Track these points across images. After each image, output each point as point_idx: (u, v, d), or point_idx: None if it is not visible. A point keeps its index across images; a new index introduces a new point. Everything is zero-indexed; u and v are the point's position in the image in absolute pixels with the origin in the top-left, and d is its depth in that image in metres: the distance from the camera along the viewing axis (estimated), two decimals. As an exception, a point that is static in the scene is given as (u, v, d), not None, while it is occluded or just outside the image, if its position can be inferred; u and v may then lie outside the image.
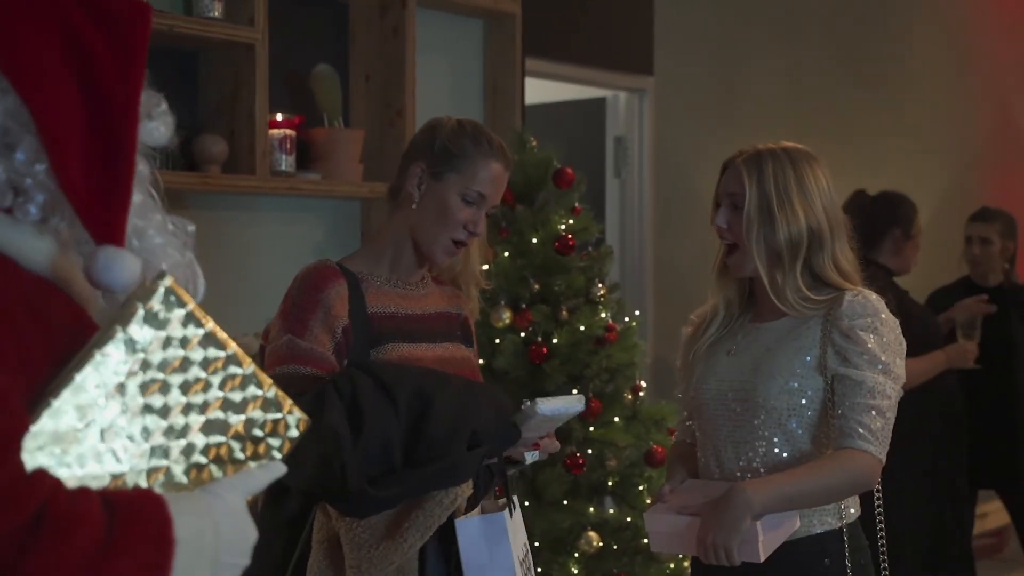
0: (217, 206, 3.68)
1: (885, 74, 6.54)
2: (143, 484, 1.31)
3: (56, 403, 1.26)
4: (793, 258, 2.35)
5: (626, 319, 3.84)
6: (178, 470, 1.34)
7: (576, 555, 3.64)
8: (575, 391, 3.68)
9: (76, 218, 1.35)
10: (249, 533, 1.35)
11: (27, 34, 1.32)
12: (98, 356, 1.29)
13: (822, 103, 6.09)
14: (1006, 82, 7.46)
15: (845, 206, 4.63)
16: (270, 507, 2.35)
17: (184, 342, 1.34)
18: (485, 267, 2.64)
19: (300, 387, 2.23)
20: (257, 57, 3.52)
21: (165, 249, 1.40)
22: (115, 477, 1.30)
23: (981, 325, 4.53)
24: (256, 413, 1.38)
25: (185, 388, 1.34)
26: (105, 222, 1.33)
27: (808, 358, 2.33)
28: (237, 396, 1.37)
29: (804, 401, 2.32)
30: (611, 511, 3.77)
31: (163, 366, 1.32)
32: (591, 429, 3.67)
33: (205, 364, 1.35)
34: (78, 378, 1.27)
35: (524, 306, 3.70)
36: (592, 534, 3.63)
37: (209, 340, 1.35)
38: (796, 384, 2.32)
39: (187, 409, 1.34)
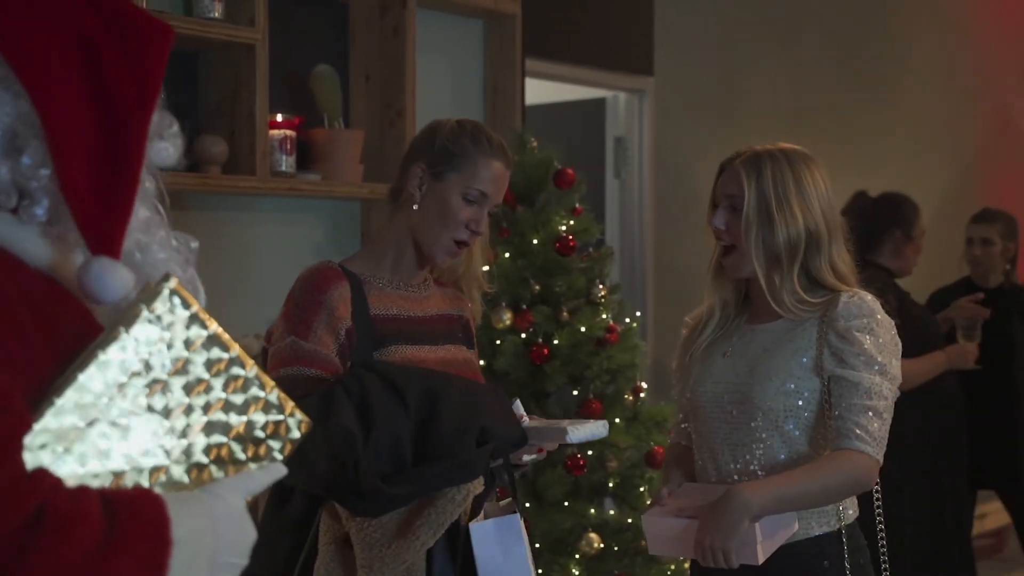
0: (217, 206, 3.67)
1: (885, 75, 6.53)
2: (144, 483, 1.32)
3: (59, 402, 1.27)
4: (791, 260, 2.35)
5: (627, 320, 3.83)
6: (179, 470, 1.35)
7: (577, 556, 3.64)
8: (575, 392, 3.68)
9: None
10: (248, 534, 1.36)
11: (45, 43, 1.34)
12: (101, 356, 1.30)
13: (822, 103, 6.09)
14: (1006, 82, 7.47)
15: (847, 207, 4.67)
16: (275, 509, 2.35)
17: (187, 343, 1.35)
18: (486, 268, 2.63)
19: (305, 389, 2.23)
20: (257, 57, 3.52)
21: (168, 264, 1.42)
22: (116, 476, 1.31)
23: (982, 326, 4.53)
24: (258, 415, 1.40)
25: (187, 389, 1.35)
26: (103, 233, 1.35)
27: (804, 359, 2.33)
28: (239, 398, 1.38)
29: (801, 403, 2.32)
30: (611, 512, 3.76)
31: (166, 367, 1.34)
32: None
33: (208, 366, 1.36)
34: (81, 378, 1.29)
35: (525, 307, 3.70)
36: (593, 535, 3.62)
37: (212, 342, 1.37)
38: (793, 386, 2.32)
39: (189, 410, 1.36)
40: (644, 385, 3.85)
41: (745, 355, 2.39)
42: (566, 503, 3.65)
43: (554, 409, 3.68)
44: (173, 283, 1.35)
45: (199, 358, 1.36)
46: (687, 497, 2.37)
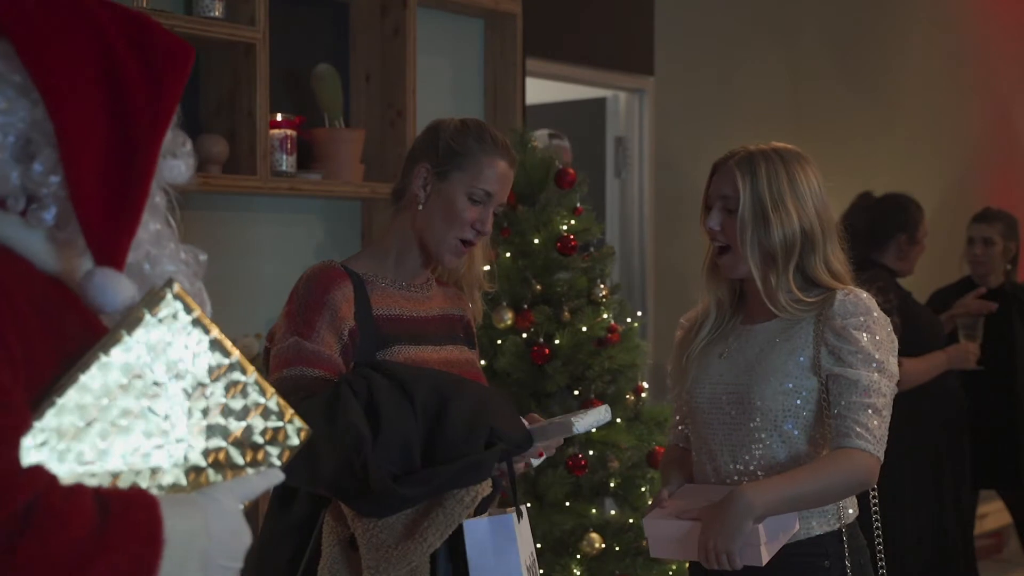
0: (217, 206, 3.66)
1: (884, 74, 6.53)
2: (142, 485, 1.34)
3: (60, 401, 1.29)
4: (786, 259, 2.35)
5: (628, 320, 3.83)
6: (177, 473, 1.37)
7: (578, 557, 3.63)
8: (576, 392, 3.67)
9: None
10: (243, 537, 1.38)
11: (66, 54, 1.37)
12: (103, 358, 1.32)
13: (822, 103, 6.08)
14: (1004, 82, 7.47)
15: (851, 207, 4.67)
16: (278, 511, 2.34)
17: (188, 348, 1.37)
18: (487, 268, 2.62)
19: (308, 390, 2.23)
20: (257, 57, 3.51)
21: (176, 277, 1.43)
22: (114, 476, 1.33)
23: (983, 326, 4.53)
24: (257, 420, 1.41)
25: (187, 393, 1.37)
26: (108, 244, 1.37)
27: (802, 358, 2.33)
28: (238, 403, 1.40)
29: (799, 402, 2.32)
30: (613, 512, 3.76)
31: (167, 370, 1.36)
32: (593, 430, 3.66)
33: (208, 370, 1.38)
34: (83, 378, 1.31)
35: (526, 307, 3.69)
36: (594, 535, 3.62)
37: (213, 347, 1.39)
38: (791, 385, 2.32)
39: (188, 413, 1.37)
40: (645, 385, 3.84)
41: (742, 355, 2.39)
42: (567, 503, 3.64)
43: (555, 409, 3.67)
44: (176, 288, 1.37)
45: (200, 362, 1.37)
46: (688, 498, 2.36)
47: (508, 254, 3.72)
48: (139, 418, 1.34)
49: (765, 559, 2.23)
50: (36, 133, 1.38)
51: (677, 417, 2.58)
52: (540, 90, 5.04)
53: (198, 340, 1.37)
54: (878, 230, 4.51)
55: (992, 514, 6.15)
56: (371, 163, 3.90)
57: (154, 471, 1.35)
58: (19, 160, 1.38)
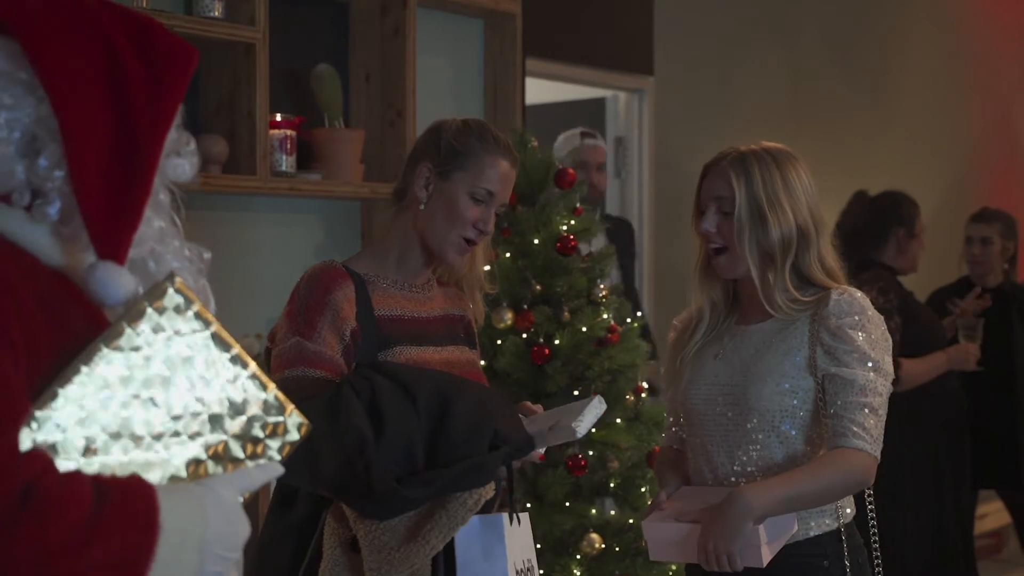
0: (217, 206, 3.66)
1: (884, 74, 6.54)
2: (141, 475, 1.35)
3: (62, 392, 1.31)
4: (784, 258, 2.35)
5: (627, 320, 3.82)
6: (177, 464, 1.38)
7: (578, 557, 3.63)
8: (576, 393, 3.67)
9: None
10: (240, 528, 1.39)
11: (69, 53, 1.40)
12: (105, 350, 1.34)
13: (821, 103, 6.09)
14: (1004, 82, 7.47)
15: (846, 208, 4.67)
16: (279, 512, 2.34)
17: (189, 341, 1.39)
18: (487, 268, 2.62)
19: (310, 390, 2.22)
20: (257, 57, 3.51)
21: (180, 274, 1.45)
22: (113, 466, 1.34)
23: (983, 327, 4.54)
24: (257, 414, 1.43)
25: (188, 385, 1.39)
26: (111, 238, 1.40)
27: (797, 359, 2.33)
28: (238, 396, 1.41)
29: (796, 402, 2.32)
30: (613, 513, 3.76)
31: (167, 363, 1.37)
32: (593, 430, 3.65)
33: (208, 363, 1.40)
34: (85, 370, 1.33)
35: (526, 307, 3.69)
36: (594, 536, 3.61)
37: (213, 340, 1.40)
38: (787, 385, 2.32)
39: (188, 406, 1.39)
40: (645, 385, 3.84)
41: (737, 356, 2.39)
42: (567, 503, 3.64)
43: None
44: (177, 282, 1.39)
45: (200, 356, 1.39)
46: (685, 501, 2.36)
47: (508, 254, 3.72)
48: (139, 410, 1.35)
49: (766, 560, 2.23)
50: (41, 129, 1.40)
51: (671, 419, 2.59)
52: (540, 90, 5.04)
53: (198, 333, 1.39)
54: (875, 228, 4.51)
55: (991, 514, 6.15)
56: (371, 163, 3.89)
57: (154, 462, 1.36)
58: (24, 155, 1.40)
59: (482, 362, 3.01)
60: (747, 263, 2.35)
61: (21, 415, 1.28)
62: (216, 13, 3.45)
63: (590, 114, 5.28)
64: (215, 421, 1.40)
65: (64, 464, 1.30)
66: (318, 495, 2.28)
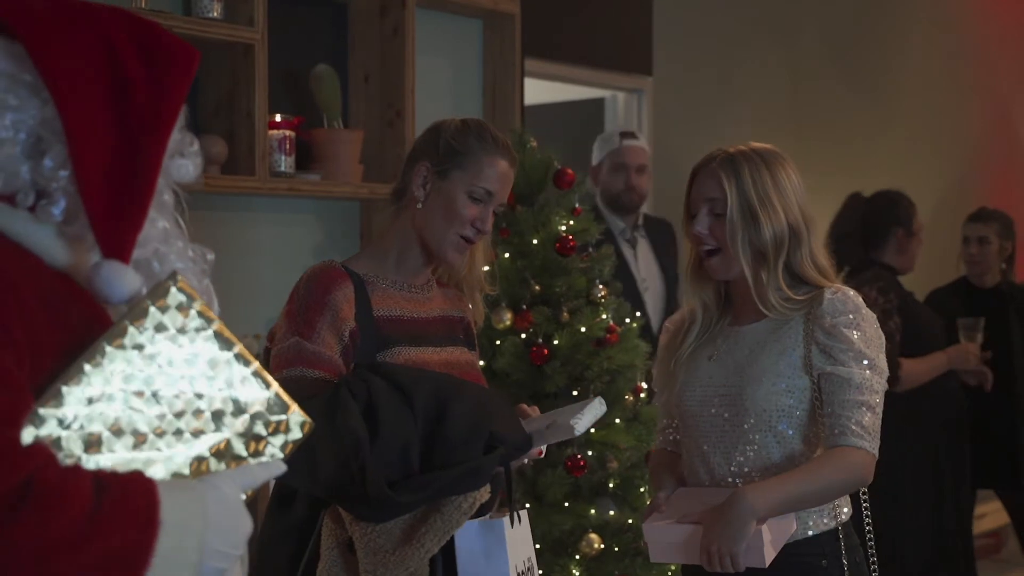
0: (216, 207, 3.66)
1: (883, 74, 6.54)
2: (144, 472, 1.36)
3: (65, 389, 1.32)
4: (777, 257, 2.36)
5: (627, 320, 3.82)
6: (179, 461, 1.39)
7: (577, 557, 3.63)
8: (575, 393, 3.66)
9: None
10: (242, 524, 1.39)
11: (75, 54, 1.42)
12: (108, 349, 1.35)
13: (820, 103, 6.09)
14: (1003, 82, 7.47)
15: (842, 209, 4.67)
16: (277, 513, 2.34)
17: (191, 339, 1.40)
18: (486, 268, 2.62)
19: (308, 391, 2.22)
20: (256, 57, 3.51)
21: (184, 274, 1.46)
22: (116, 463, 1.35)
23: (983, 327, 4.54)
24: (259, 412, 1.43)
25: (190, 383, 1.40)
26: (115, 237, 1.41)
27: (793, 358, 2.33)
28: (241, 394, 1.42)
29: (792, 401, 2.32)
30: (612, 513, 3.75)
31: (170, 361, 1.38)
32: (592, 431, 3.66)
33: (211, 362, 1.41)
34: (88, 368, 1.34)
35: (525, 307, 3.69)
36: (593, 536, 3.61)
37: (216, 338, 1.42)
38: (783, 385, 2.32)
39: (191, 403, 1.39)
40: (644, 385, 3.84)
41: (732, 357, 2.39)
42: (566, 504, 3.64)
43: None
44: (179, 281, 1.40)
45: (202, 354, 1.40)
46: (685, 502, 2.36)
47: (507, 254, 3.72)
48: (142, 407, 1.36)
49: (768, 560, 2.23)
50: (46, 131, 1.42)
51: (664, 420, 2.59)
52: (539, 90, 5.04)
53: (201, 332, 1.40)
54: (873, 228, 4.51)
55: (990, 514, 6.15)
56: (370, 163, 3.89)
57: (156, 459, 1.37)
58: (30, 156, 1.42)
59: (481, 363, 3.01)
60: (740, 264, 2.36)
61: (23, 411, 1.29)
62: (215, 14, 3.45)
63: (589, 114, 5.28)
64: (218, 419, 1.41)
65: (65, 460, 1.31)
66: (316, 496, 2.28)
